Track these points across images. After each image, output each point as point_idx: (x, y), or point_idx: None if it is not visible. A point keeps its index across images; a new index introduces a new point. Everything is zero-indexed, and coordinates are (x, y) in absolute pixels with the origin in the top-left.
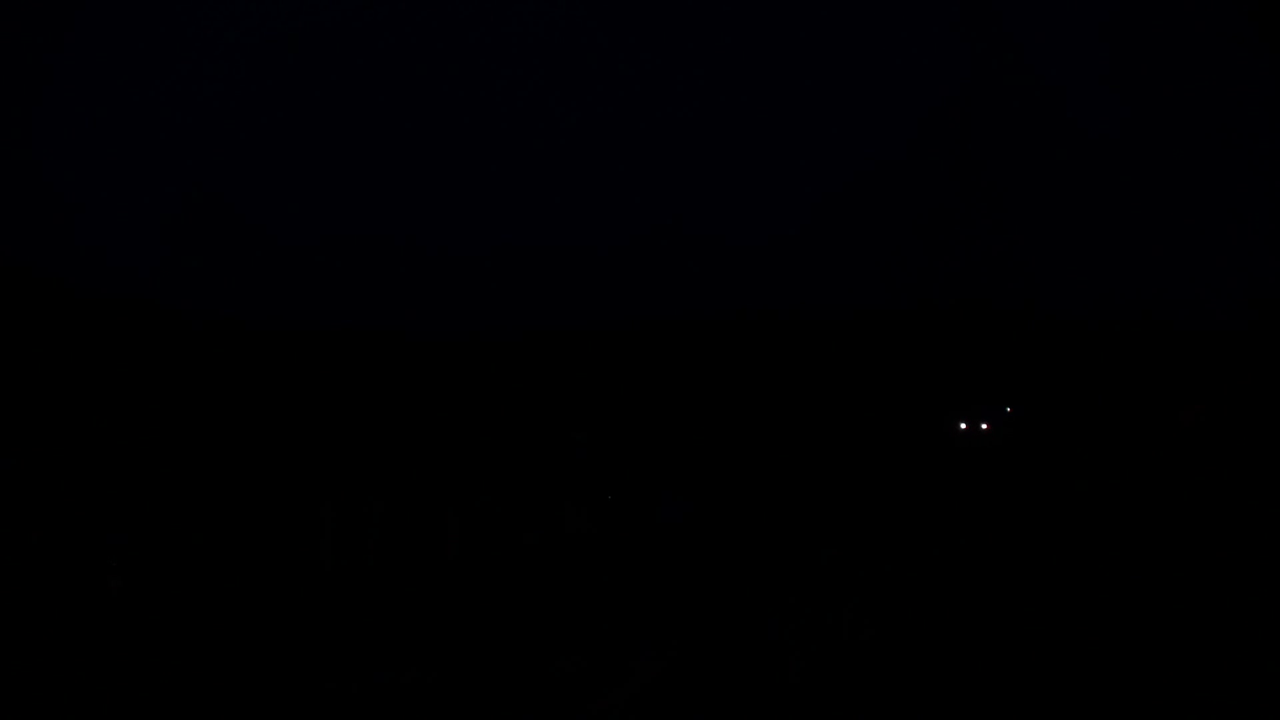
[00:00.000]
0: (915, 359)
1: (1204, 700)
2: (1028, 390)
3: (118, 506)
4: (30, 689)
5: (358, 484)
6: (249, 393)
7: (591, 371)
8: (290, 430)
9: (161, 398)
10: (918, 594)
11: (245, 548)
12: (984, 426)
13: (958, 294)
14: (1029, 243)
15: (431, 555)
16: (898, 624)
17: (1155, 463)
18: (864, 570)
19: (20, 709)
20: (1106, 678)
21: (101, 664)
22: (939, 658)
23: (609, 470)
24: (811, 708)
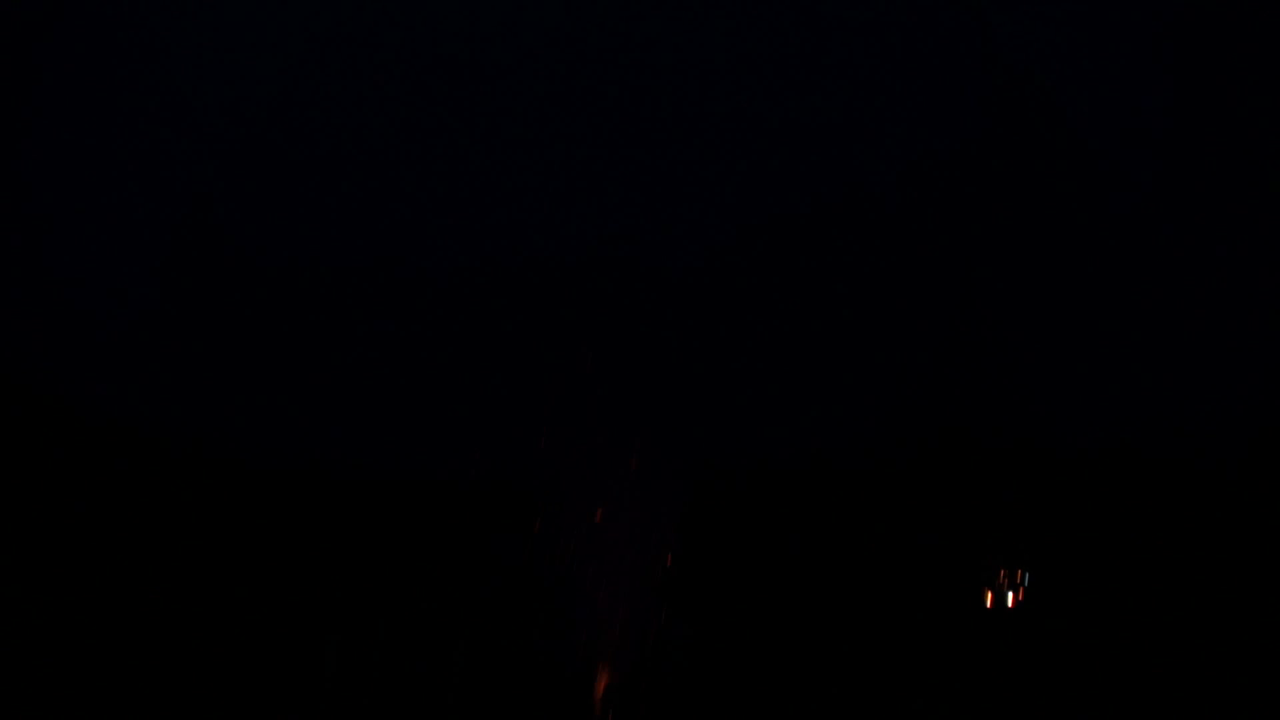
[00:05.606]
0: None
1: None
2: (1043, 547)
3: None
4: None
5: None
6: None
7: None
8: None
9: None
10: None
11: (247, 642)
12: (1009, 605)
13: (960, 426)
14: (1036, 376)
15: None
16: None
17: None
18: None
19: None
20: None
21: None
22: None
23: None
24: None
